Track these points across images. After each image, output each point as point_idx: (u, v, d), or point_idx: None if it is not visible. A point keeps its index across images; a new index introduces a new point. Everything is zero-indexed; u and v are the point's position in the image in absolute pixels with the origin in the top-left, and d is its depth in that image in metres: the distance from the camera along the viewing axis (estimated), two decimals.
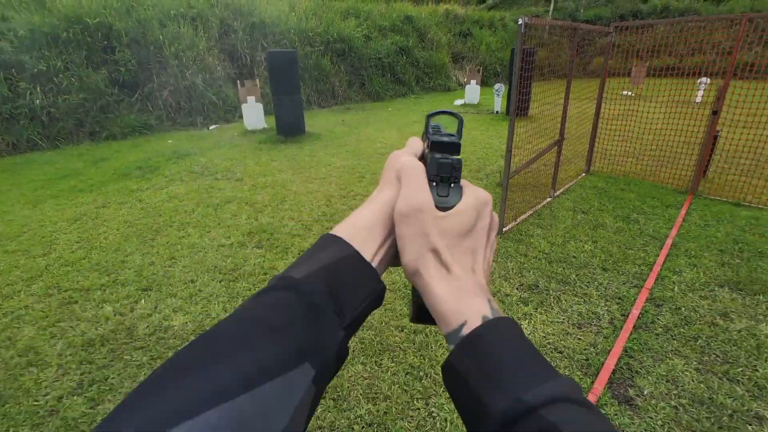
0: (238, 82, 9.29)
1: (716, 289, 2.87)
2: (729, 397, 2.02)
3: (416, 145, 0.41)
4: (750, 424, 1.89)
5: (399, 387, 2.10)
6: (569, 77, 4.27)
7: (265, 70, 10.69)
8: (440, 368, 0.31)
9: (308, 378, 0.26)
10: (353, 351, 2.35)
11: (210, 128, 9.26)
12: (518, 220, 3.98)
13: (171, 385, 0.22)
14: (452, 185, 0.36)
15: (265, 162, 6.22)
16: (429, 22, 18.04)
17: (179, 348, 1.99)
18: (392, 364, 2.25)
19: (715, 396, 2.03)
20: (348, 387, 2.11)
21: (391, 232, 0.35)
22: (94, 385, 2.15)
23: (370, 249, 0.33)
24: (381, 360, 2.28)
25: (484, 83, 17.32)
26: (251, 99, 8.49)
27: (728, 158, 5.52)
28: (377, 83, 14.29)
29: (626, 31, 5.92)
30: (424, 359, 2.28)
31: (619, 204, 4.36)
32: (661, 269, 3.11)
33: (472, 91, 12.46)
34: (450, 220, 0.34)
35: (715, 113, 4.30)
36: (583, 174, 5.44)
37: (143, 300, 2.86)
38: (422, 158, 0.40)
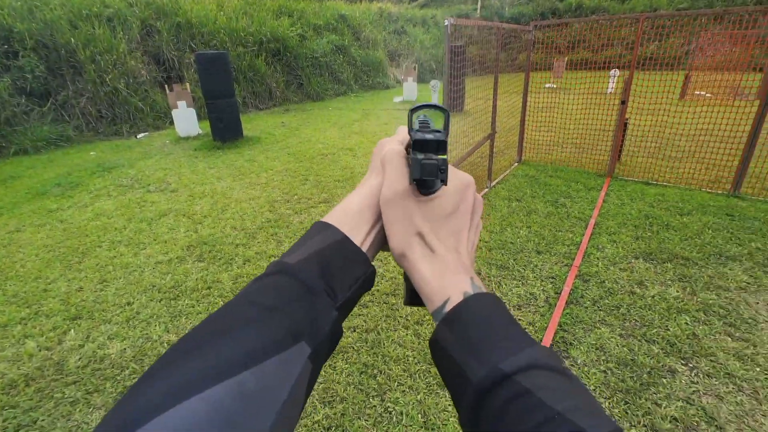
0: (166, 86, 8.73)
1: (633, 261, 3.19)
2: (647, 356, 2.27)
3: (403, 133, 0.42)
4: (664, 378, 2.13)
5: (354, 387, 2.12)
6: (496, 73, 4.50)
7: (195, 73, 10.14)
8: (428, 343, 0.32)
9: (304, 355, 0.27)
10: None
11: (138, 137, 8.62)
12: None
13: (181, 362, 0.23)
14: (437, 184, 0.35)
15: (202, 170, 5.91)
16: (363, 21, 18.07)
17: (118, 377, 1.85)
18: (346, 365, 2.26)
19: (636, 357, 2.27)
20: None
21: (379, 218, 0.36)
22: (21, 430, 1.95)
23: (359, 234, 0.35)
24: (335, 363, 2.28)
25: (421, 80, 17.72)
26: (182, 104, 8.01)
27: (637, 142, 6.13)
28: (316, 83, 14.09)
29: (546, 29, 6.35)
30: (377, 356, 2.32)
31: (549, 190, 4.69)
32: (586, 248, 3.40)
33: (410, 88, 12.70)
34: (433, 204, 0.35)
35: (624, 103, 4.75)
36: (516, 164, 5.78)
37: (72, 330, 2.62)
38: (408, 147, 0.40)
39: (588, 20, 6.18)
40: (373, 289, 2.98)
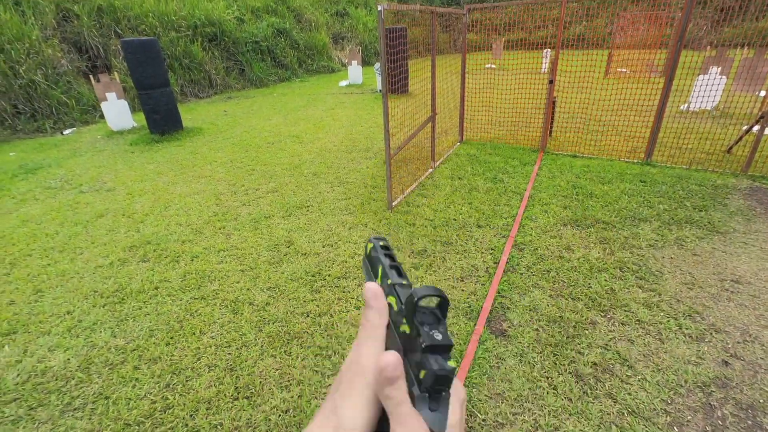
0: (92, 77, 7.99)
1: (561, 228, 3.47)
2: (573, 312, 2.51)
3: (381, 307, 0.33)
4: (587, 330, 2.38)
5: (309, 369, 2.18)
6: (433, 55, 4.57)
7: (124, 62, 9.35)
8: None
9: None
10: (261, 346, 2.35)
11: (65, 133, 7.87)
12: (405, 193, 4.25)
13: None
14: (443, 393, 0.30)
15: (140, 165, 5.56)
16: (304, 2, 17.39)
17: (63, 389, 1.77)
18: (301, 350, 2.31)
19: (563, 314, 2.51)
20: (260, 382, 2.12)
21: None
22: None
23: None
24: (290, 348, 2.32)
25: (366, 63, 17.52)
26: (112, 95, 7.40)
27: (566, 119, 6.54)
28: (258, 68, 13.50)
29: (482, 11, 6.48)
30: (332, 338, 2.38)
31: (488, 167, 4.91)
32: (521, 219, 3.63)
33: (355, 72, 12.53)
34: None
35: (552, 82, 5.03)
36: (458, 143, 5.97)
37: (7, 346, 2.44)
38: (388, 327, 0.33)
39: (520, 3, 6.38)
40: (324, 273, 3.02)
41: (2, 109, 7.80)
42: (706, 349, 2.21)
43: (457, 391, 0.32)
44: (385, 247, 0.37)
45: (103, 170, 5.42)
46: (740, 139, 4.87)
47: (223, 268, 3.11)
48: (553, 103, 5.26)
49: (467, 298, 2.68)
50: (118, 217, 4.01)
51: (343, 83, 12.67)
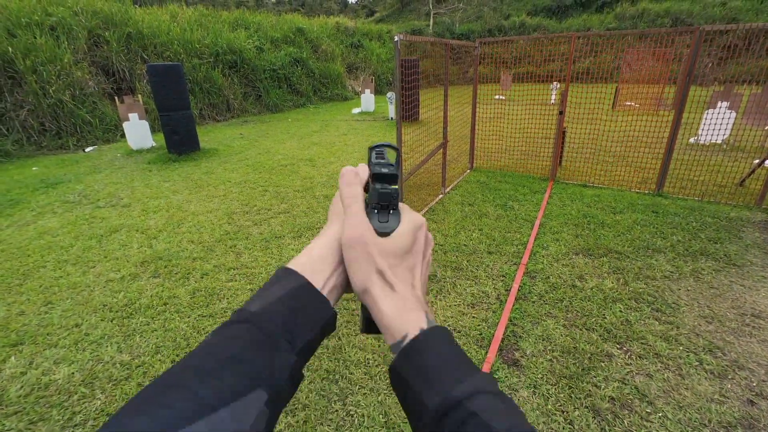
0: (117, 98, 8.28)
1: (573, 257, 3.40)
2: (587, 343, 2.42)
3: (364, 173, 0.43)
4: (602, 362, 2.28)
5: (316, 393, 2.10)
6: (446, 85, 4.66)
7: (148, 85, 9.70)
8: (388, 371, 0.35)
9: (261, 401, 0.28)
10: None
11: (86, 150, 8.09)
12: None
13: (131, 416, 0.24)
14: (391, 211, 0.40)
15: (156, 183, 5.64)
16: (321, 34, 18.08)
17: (65, 404, 1.74)
18: (308, 373, 2.23)
19: (578, 345, 2.41)
20: None
21: (341, 262, 0.38)
22: None
23: (320, 278, 0.36)
24: None
25: (378, 92, 17.95)
26: (134, 116, 7.63)
27: (576, 149, 6.55)
28: (274, 94, 13.89)
29: (492, 45, 6.65)
30: (339, 362, 2.31)
31: (498, 194, 4.89)
32: (533, 246, 3.57)
33: (368, 100, 12.82)
34: (390, 244, 0.38)
35: (561, 113, 5.07)
36: (468, 170, 5.98)
37: (13, 357, 2.40)
38: (367, 184, 0.43)
39: (530, 38, 6.55)
40: None
41: (30, 126, 8.06)
42: (729, 386, 2.09)
43: (413, 216, 0.41)
44: (376, 146, 0.45)
45: (120, 187, 5.51)
46: (752, 172, 4.82)
47: (232, 286, 3.08)
48: (563, 133, 5.29)
49: (478, 326, 2.60)
50: (132, 233, 4.04)
51: (356, 110, 12.94)
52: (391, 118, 11.09)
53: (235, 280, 3.16)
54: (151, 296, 2.96)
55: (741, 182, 4.94)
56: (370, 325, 0.39)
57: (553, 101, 12.22)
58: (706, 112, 7.04)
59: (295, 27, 16.86)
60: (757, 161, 4.94)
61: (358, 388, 2.13)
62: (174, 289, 3.05)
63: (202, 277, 3.20)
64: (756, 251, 3.41)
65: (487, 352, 2.36)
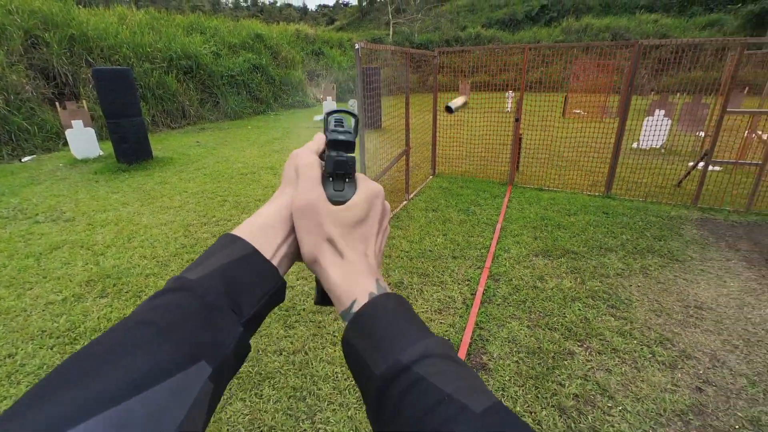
0: (58, 104, 7.67)
1: (533, 258, 3.50)
2: (550, 343, 2.48)
3: (320, 139, 0.42)
4: (565, 360, 2.34)
5: (283, 413, 1.99)
6: (407, 94, 4.69)
7: (94, 90, 9.06)
8: (341, 342, 0.34)
9: (204, 376, 0.25)
10: (230, 389, 2.14)
11: (23, 160, 7.40)
12: None
13: (52, 395, 0.20)
14: (347, 180, 0.38)
15: (104, 195, 5.25)
16: (280, 41, 17.79)
17: None
18: (273, 392, 2.12)
19: (542, 345, 2.46)
20: (228, 430, 1.91)
21: (292, 230, 0.36)
22: None
23: (270, 246, 0.34)
24: (261, 390, 2.13)
25: (340, 99, 17.87)
26: (78, 123, 7.08)
27: (532, 154, 6.82)
28: (233, 101, 13.46)
29: (450, 54, 6.81)
30: (306, 378, 2.22)
31: (460, 199, 4.97)
32: (495, 250, 3.65)
33: (330, 107, 12.72)
34: (344, 212, 0.36)
35: (518, 120, 5.25)
36: (431, 176, 6.05)
37: None
38: (323, 153, 0.41)
39: (485, 48, 6.77)
40: (299, 308, 2.87)
41: None
42: (679, 376, 2.21)
43: (369, 185, 0.39)
44: (333, 112, 0.43)
45: (62, 199, 5.07)
46: (688, 174, 5.22)
47: None
48: (520, 139, 5.48)
49: (446, 331, 2.59)
50: (76, 249, 3.71)
51: (318, 118, 12.80)
52: None
53: None
54: (98, 318, 2.71)
55: (678, 183, 5.34)
56: (323, 296, 0.37)
57: (509, 109, 12.72)
58: (646, 119, 7.58)
59: (253, 33, 16.47)
60: (691, 164, 5.36)
61: (327, 404, 2.04)
62: (124, 309, 2.81)
63: None
64: (695, 247, 3.67)
65: None
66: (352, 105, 10.96)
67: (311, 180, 0.37)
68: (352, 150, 0.39)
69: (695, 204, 4.69)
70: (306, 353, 2.40)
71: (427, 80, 6.98)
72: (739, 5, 25.18)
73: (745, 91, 9.29)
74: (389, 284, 3.11)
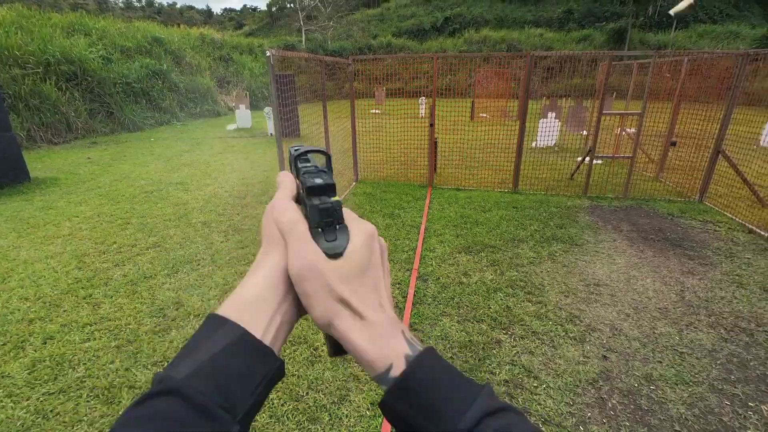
0: None
1: (457, 255, 3.67)
2: (479, 335, 2.61)
3: (289, 182, 0.38)
4: (494, 349, 2.48)
5: None
6: (324, 100, 4.63)
7: None
8: (378, 407, 0.33)
9: None
10: None
11: None
12: None
13: None
14: (337, 227, 0.34)
15: None
16: (183, 45, 16.46)
17: None
18: None
19: (472, 338, 2.58)
20: None
21: (285, 296, 0.33)
22: None
23: (261, 321, 0.31)
24: None
25: (255, 107, 17.10)
26: None
27: (447, 156, 7.20)
28: (130, 111, 12.08)
29: (365, 62, 6.89)
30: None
31: (384, 204, 5.04)
32: (422, 251, 3.75)
33: (243, 116, 12.09)
34: (347, 265, 0.33)
35: (432, 125, 5.50)
36: (354, 182, 6.06)
37: None
38: (298, 197, 0.37)
39: (397, 57, 6.98)
40: None
41: None
42: (588, 348, 2.48)
43: (362, 226, 0.36)
44: (301, 154, 0.39)
45: None
46: (578, 168, 5.94)
47: (90, 347, 2.49)
48: (435, 143, 5.74)
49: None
50: None
51: (231, 127, 12.07)
52: (271, 134, 10.65)
53: (94, 339, 2.56)
54: None
55: (571, 177, 6.05)
56: (337, 347, 0.34)
57: (422, 115, 13.31)
58: (541, 121, 8.49)
59: (150, 36, 14.99)
60: (579, 159, 6.11)
61: None
62: (2, 365, 2.32)
63: (45, 343, 2.51)
64: (589, 231, 4.17)
65: None
66: (268, 113, 10.54)
67: (302, 237, 0.33)
68: (335, 192, 0.35)
69: (585, 194, 5.35)
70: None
71: (343, 87, 6.99)
72: (604, 23, 29.61)
73: (614, 96, 10.92)
74: None
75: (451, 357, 2.41)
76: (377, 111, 12.11)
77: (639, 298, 3.00)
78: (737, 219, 4.45)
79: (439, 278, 3.29)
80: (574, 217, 4.57)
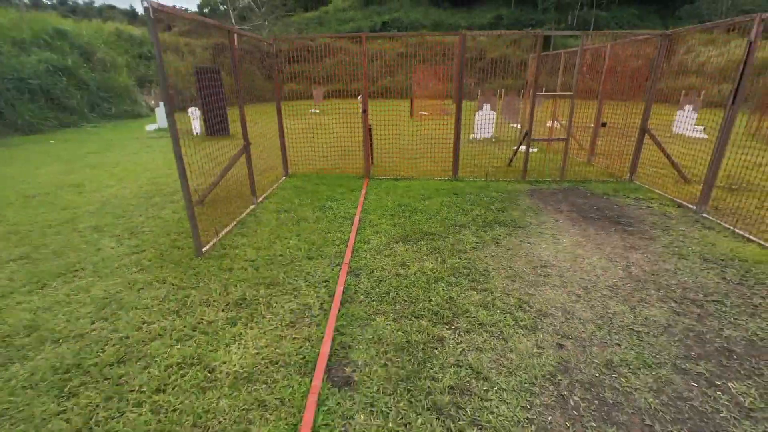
0: None
1: (394, 245, 3.22)
2: (419, 333, 2.16)
3: None
4: (436, 349, 2.04)
5: None
6: (237, 77, 3.99)
7: None
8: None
9: None
10: None
11: None
12: (220, 234, 3.41)
13: None
14: None
15: None
16: (94, 40, 14.62)
17: None
18: None
19: (410, 337, 2.12)
20: None
21: None
22: None
23: None
24: None
25: (179, 107, 15.66)
26: None
27: (386, 149, 6.81)
28: (26, 111, 10.36)
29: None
30: None
31: (316, 197, 4.49)
32: (355, 243, 3.26)
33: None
34: None
35: (365, 111, 5.05)
36: (284, 177, 5.43)
37: None
38: None
39: (325, 35, 6.50)
40: (88, 363, 1.95)
41: None
42: (542, 336, 2.13)
43: None
44: None
45: None
46: (514, 154, 5.81)
47: None
48: (370, 130, 5.30)
49: (300, 348, 2.05)
50: None
51: (151, 127, 10.80)
52: (197, 134, 9.62)
53: None
54: None
55: (509, 163, 5.92)
56: None
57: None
58: (477, 113, 8.42)
59: (52, 28, 13.10)
60: (515, 147, 6.00)
61: None
62: None
63: None
64: (531, 214, 3.94)
65: (311, 380, 1.82)
66: (192, 112, 9.52)
67: None
68: None
69: (524, 179, 5.20)
70: (91, 429, 1.56)
71: (281, 88, 6.41)
72: (530, 28, 31.44)
73: (544, 91, 11.34)
74: (228, 304, 2.41)
75: (384, 364, 1.93)
76: (316, 111, 11.53)
77: (587, 276, 2.74)
78: (667, 195, 4.49)
79: (373, 271, 2.81)
80: (516, 201, 4.35)
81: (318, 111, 10.69)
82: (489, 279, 2.71)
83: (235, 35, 3.82)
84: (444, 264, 2.91)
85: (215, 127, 8.89)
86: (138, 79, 15.77)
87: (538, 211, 4.02)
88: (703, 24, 3.99)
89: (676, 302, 2.45)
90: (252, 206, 4.16)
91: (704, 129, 8.58)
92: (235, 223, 3.70)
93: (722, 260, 2.97)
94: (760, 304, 2.43)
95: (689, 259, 2.99)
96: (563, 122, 6.48)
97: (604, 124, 5.26)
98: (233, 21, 30.57)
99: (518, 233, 3.46)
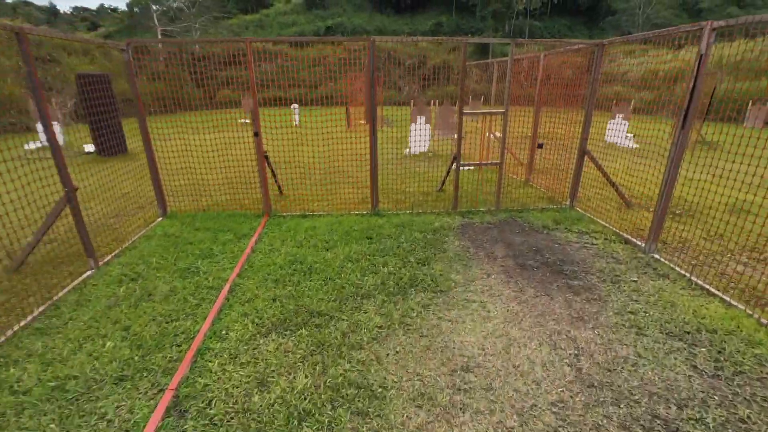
0: None
1: (261, 340, 2.23)
2: None
3: None
4: None
5: None
6: (37, 91, 2.80)
7: None
8: None
9: None
10: None
11: None
12: (9, 332, 2.23)
13: None
14: None
15: None
16: None
17: None
18: None
19: None
20: None
21: None
22: None
23: None
24: None
25: (80, 118, 13.60)
26: None
27: (303, 172, 5.79)
28: None
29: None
30: None
31: (187, 251, 3.37)
32: (204, 339, 2.22)
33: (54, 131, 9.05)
34: None
35: (257, 135, 4.02)
36: (160, 218, 4.22)
37: None
38: None
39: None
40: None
41: None
42: None
43: None
44: None
45: None
46: (446, 177, 5.05)
47: None
48: (266, 157, 4.27)
49: None
50: None
51: (32, 146, 8.93)
52: (88, 153, 8.03)
53: None
54: None
55: (440, 188, 5.14)
56: None
57: (296, 123, 11.77)
58: (411, 126, 7.64)
59: None
60: (446, 172, 5.25)
61: None
62: None
63: None
64: (458, 266, 3.12)
65: None
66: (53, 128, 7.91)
67: None
68: None
69: (455, 209, 4.42)
70: None
71: (214, 96, 5.23)
72: (469, 35, 31.82)
73: (482, 99, 10.88)
74: None
75: None
76: (247, 120, 10.22)
77: (524, 386, 1.92)
78: (611, 227, 3.89)
79: (211, 402, 1.80)
80: (442, 245, 3.52)
81: (248, 121, 9.43)
82: (384, 405, 1.80)
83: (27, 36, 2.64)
84: (324, 377, 1.96)
85: (107, 143, 7.40)
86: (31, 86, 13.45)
87: (468, 261, 3.21)
88: (643, 33, 3.41)
89: (643, 428, 1.68)
90: (88, 272, 2.97)
91: (633, 137, 8.48)
92: (44, 306, 2.51)
93: (687, 332, 2.30)
94: (749, 416, 1.74)
95: (649, 335, 2.28)
96: (498, 135, 5.85)
97: (540, 146, 4.63)
98: (155, 20, 27.95)
99: (438, 304, 2.60)
